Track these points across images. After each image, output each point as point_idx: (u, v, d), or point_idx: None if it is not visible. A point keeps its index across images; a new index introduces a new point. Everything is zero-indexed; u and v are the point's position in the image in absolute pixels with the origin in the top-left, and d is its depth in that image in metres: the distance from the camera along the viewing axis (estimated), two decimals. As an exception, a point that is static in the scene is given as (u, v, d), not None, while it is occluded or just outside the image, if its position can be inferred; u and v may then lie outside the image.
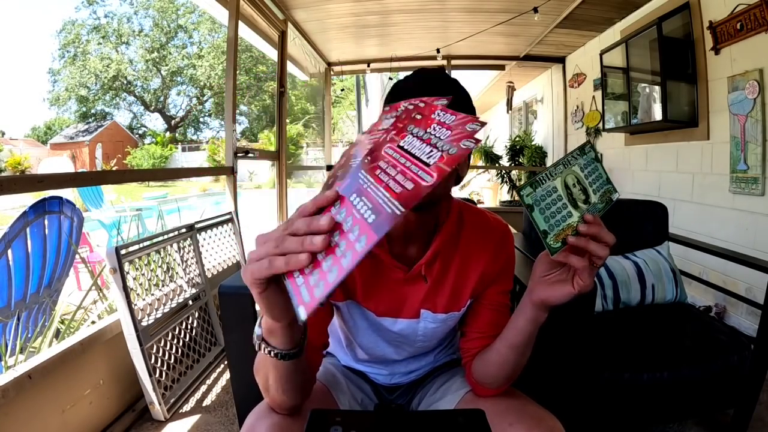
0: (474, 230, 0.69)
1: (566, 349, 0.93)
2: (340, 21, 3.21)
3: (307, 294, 0.35)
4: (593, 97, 3.56)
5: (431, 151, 0.36)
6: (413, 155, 0.37)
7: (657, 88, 2.47)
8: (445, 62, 4.05)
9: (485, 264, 0.68)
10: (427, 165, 0.35)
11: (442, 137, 0.37)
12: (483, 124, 0.37)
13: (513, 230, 0.89)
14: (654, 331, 1.24)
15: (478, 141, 0.36)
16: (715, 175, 2.22)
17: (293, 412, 0.59)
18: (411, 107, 0.43)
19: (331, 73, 4.50)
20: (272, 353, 0.48)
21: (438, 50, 3.77)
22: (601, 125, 3.36)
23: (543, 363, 0.90)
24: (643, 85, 2.71)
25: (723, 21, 2.06)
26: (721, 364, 1.09)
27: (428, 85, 0.59)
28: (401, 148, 0.38)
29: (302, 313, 0.35)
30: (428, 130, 0.38)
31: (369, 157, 0.39)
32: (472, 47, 3.76)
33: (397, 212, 0.34)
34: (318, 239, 0.35)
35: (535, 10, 2.77)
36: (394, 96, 0.60)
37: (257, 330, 0.49)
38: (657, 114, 2.50)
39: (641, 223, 1.52)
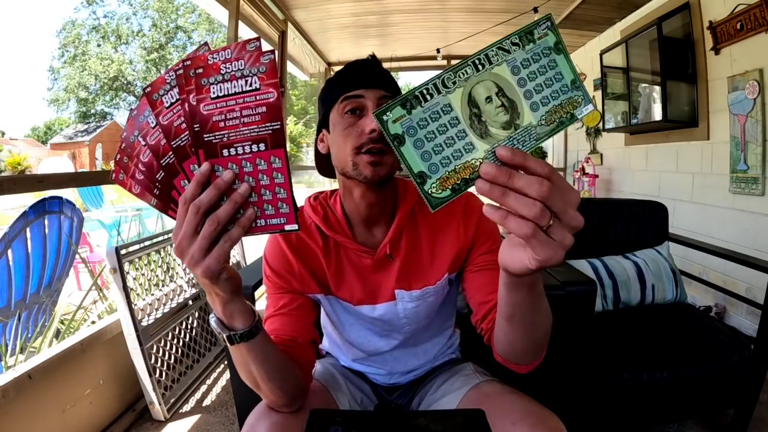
0: None
1: (566, 349, 0.93)
2: (340, 21, 3.22)
3: (278, 218, 0.39)
4: (593, 96, 3.57)
5: (245, 81, 0.37)
6: (235, 94, 0.38)
7: (657, 88, 2.47)
8: (445, 62, 4.05)
9: (456, 235, 0.69)
10: (257, 90, 0.37)
11: (240, 67, 0.37)
12: (258, 39, 0.38)
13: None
14: (654, 331, 1.24)
15: (273, 52, 0.37)
16: (715, 175, 2.22)
17: (293, 410, 0.59)
18: (181, 71, 0.39)
19: (331, 72, 4.51)
20: (237, 336, 0.49)
21: (438, 50, 3.77)
22: (601, 125, 3.36)
23: (544, 363, 0.90)
24: (644, 85, 2.71)
25: (723, 21, 2.06)
26: (721, 364, 1.09)
27: (357, 72, 0.64)
28: (218, 98, 0.38)
29: (294, 226, 0.39)
30: (222, 73, 0.38)
31: (197, 126, 0.39)
32: (472, 47, 3.76)
33: (277, 127, 0.37)
34: (242, 188, 0.39)
35: (535, 10, 2.77)
36: (327, 90, 0.65)
37: (214, 324, 0.50)
38: (657, 114, 2.50)
39: (641, 223, 1.52)
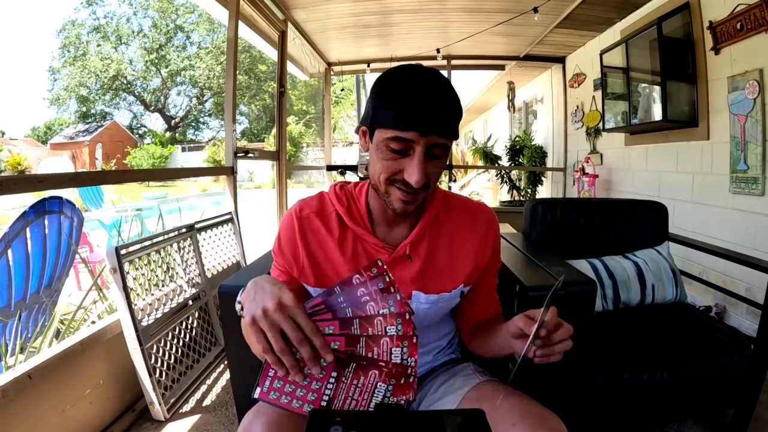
0: (462, 215, 0.73)
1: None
2: (340, 21, 3.21)
3: (268, 387, 0.52)
4: (593, 97, 3.57)
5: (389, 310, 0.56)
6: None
7: (657, 88, 2.47)
8: (445, 62, 4.05)
9: (477, 248, 0.71)
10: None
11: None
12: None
13: (512, 230, 0.91)
14: (654, 331, 1.24)
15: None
16: (715, 175, 2.22)
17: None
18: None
19: (331, 73, 4.51)
20: None
21: (438, 50, 3.77)
22: (601, 125, 3.36)
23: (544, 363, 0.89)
24: (643, 85, 2.71)
25: (723, 21, 2.06)
26: (721, 364, 1.09)
27: (417, 110, 0.57)
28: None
29: (255, 393, 0.51)
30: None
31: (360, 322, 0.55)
32: (472, 47, 3.76)
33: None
34: (313, 369, 0.52)
35: (535, 10, 2.77)
36: (384, 88, 0.59)
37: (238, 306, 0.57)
38: (657, 114, 2.50)
39: (641, 223, 1.52)
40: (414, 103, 0.57)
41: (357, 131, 0.67)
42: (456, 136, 0.61)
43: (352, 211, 0.71)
